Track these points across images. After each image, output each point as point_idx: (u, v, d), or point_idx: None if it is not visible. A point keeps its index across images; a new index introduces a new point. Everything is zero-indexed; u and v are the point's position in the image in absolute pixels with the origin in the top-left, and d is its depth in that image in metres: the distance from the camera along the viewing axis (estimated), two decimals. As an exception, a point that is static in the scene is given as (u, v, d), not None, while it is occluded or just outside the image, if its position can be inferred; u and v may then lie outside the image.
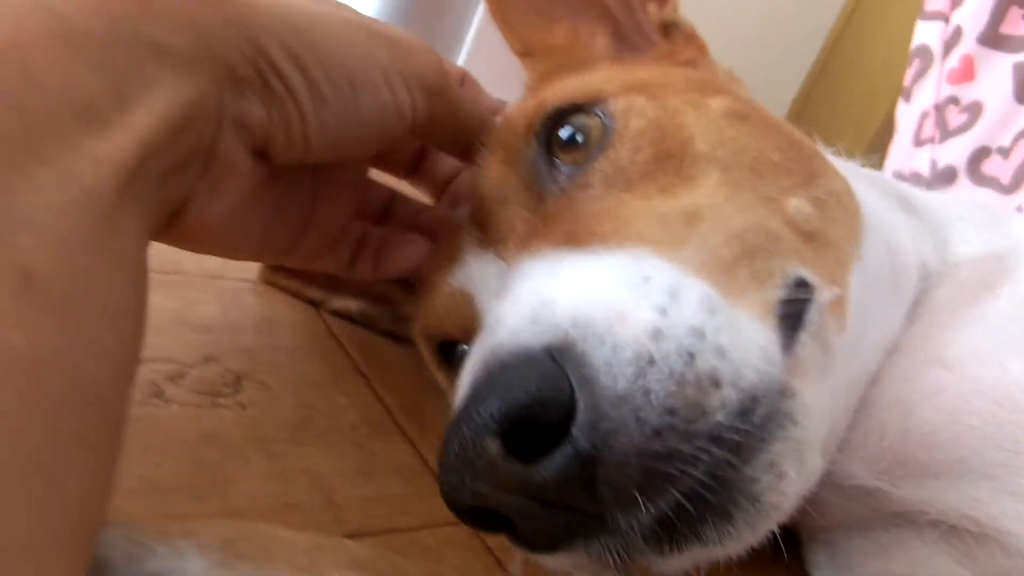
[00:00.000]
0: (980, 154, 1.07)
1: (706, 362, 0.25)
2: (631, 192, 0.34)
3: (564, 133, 0.37)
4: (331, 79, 0.31)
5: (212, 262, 0.53)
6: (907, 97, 1.20)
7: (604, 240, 0.30)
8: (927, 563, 0.42)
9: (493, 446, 0.23)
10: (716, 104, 0.40)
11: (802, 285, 0.32)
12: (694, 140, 0.36)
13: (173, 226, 0.30)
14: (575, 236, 0.32)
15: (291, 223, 0.38)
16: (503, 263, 0.36)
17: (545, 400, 0.24)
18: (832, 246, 0.36)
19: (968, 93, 1.10)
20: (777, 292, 0.30)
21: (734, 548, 0.27)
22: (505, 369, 0.25)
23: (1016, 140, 1.04)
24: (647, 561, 0.27)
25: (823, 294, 0.32)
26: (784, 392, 0.27)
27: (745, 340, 0.26)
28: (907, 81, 1.20)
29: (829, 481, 0.43)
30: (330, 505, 0.37)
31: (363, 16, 0.35)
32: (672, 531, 0.25)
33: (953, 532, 0.41)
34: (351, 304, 0.57)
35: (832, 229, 0.37)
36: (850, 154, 0.54)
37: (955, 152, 1.09)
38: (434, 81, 0.36)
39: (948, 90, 1.12)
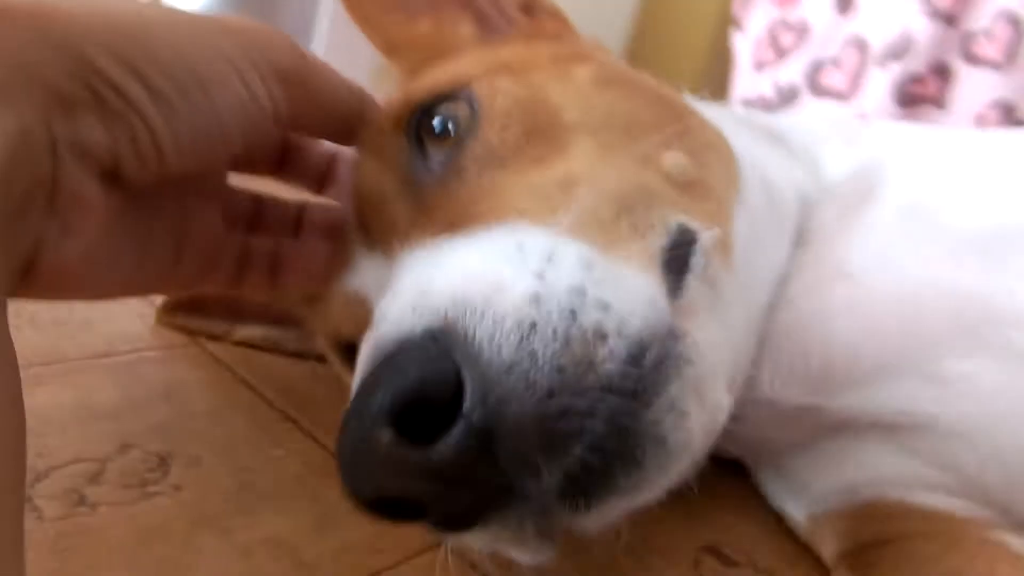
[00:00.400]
0: (815, 68, 1.13)
1: (589, 317, 0.25)
2: (505, 170, 0.34)
3: (433, 124, 0.37)
4: (176, 83, 0.28)
5: (96, 340, 0.49)
6: (739, 26, 1.25)
7: (481, 220, 0.30)
8: (875, 462, 0.45)
9: (385, 435, 0.23)
10: (581, 73, 0.40)
11: (684, 231, 0.32)
12: (562, 111, 0.36)
13: (29, 279, 0.26)
14: (453, 222, 0.31)
15: (161, 247, 0.35)
16: (390, 261, 0.35)
17: (430, 382, 0.23)
18: (711, 192, 0.37)
19: (794, 13, 1.16)
20: (658, 240, 0.31)
21: (652, 492, 0.27)
22: (388, 359, 0.25)
23: (844, 48, 1.11)
24: (570, 523, 0.27)
25: (705, 237, 0.32)
26: (674, 334, 0.27)
27: (627, 290, 0.27)
28: (735, 10, 1.25)
29: (766, 407, 0.45)
30: (301, 567, 0.35)
31: (200, 13, 0.32)
32: (583, 487, 0.25)
33: (891, 429, 0.43)
34: (255, 331, 0.55)
35: (709, 177, 0.38)
36: (691, 88, 0.55)
37: (793, 71, 1.15)
38: (290, 66, 0.34)
39: (775, 13, 1.17)
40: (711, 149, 0.40)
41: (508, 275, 0.26)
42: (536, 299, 0.25)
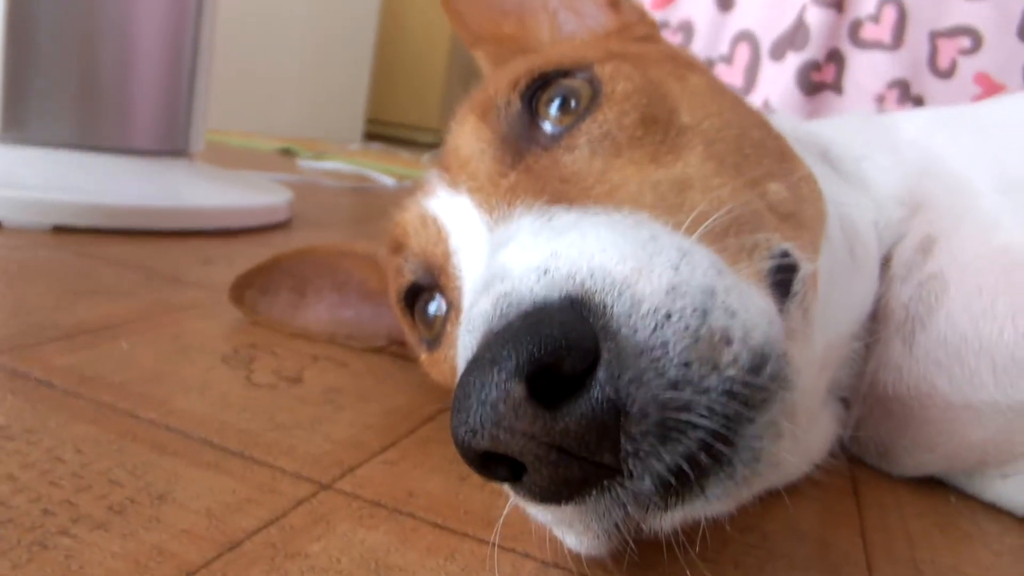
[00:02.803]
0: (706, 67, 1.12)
1: (718, 319, 0.25)
2: (619, 157, 0.34)
3: (551, 95, 0.38)
4: None
5: None
6: (619, 33, 1.21)
7: (598, 201, 0.31)
8: None
9: (519, 389, 0.23)
10: (696, 79, 0.40)
11: (786, 257, 0.33)
12: (679, 110, 0.37)
13: None
14: (567, 195, 0.32)
15: None
16: (478, 206, 0.35)
17: (572, 346, 0.23)
18: (806, 227, 0.37)
19: (675, 14, 1.14)
20: (766, 263, 0.31)
21: (725, 506, 0.28)
22: (528, 316, 0.24)
23: (733, 45, 1.11)
24: (643, 519, 0.27)
25: (805, 267, 0.33)
26: (785, 355, 0.27)
27: (750, 302, 0.26)
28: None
29: (994, 410, 0.41)
30: None
31: None
32: (681, 483, 0.24)
33: None
34: (321, 314, 0.60)
35: (805, 211, 0.38)
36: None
37: (684, 72, 1.13)
38: None
39: (657, 16, 1.15)
40: (807, 185, 0.40)
41: (646, 261, 0.26)
42: (673, 290, 0.25)
